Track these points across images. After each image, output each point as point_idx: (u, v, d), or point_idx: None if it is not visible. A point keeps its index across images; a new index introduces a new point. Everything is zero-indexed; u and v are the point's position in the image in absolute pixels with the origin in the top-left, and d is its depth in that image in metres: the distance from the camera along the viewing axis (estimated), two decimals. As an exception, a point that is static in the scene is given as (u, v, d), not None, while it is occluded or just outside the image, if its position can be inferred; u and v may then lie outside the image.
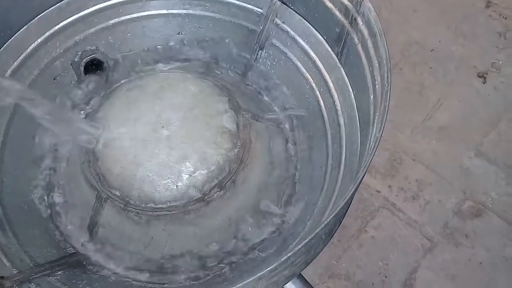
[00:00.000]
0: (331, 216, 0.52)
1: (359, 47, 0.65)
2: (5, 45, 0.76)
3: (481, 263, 1.14)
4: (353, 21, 0.65)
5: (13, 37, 0.77)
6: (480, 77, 1.28)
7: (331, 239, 0.70)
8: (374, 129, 0.57)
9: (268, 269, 0.50)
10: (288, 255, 0.51)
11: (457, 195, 1.20)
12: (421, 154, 1.24)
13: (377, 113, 0.58)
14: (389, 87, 0.56)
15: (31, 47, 0.78)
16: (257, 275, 0.50)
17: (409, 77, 1.28)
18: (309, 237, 0.51)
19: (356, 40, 0.65)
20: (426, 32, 1.34)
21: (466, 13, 1.36)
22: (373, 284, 1.15)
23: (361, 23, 0.63)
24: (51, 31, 0.79)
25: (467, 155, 1.23)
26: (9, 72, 0.76)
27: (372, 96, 0.62)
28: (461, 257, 1.15)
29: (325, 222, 0.52)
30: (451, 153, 1.23)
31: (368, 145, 0.58)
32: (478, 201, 1.19)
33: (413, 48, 1.33)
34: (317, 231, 0.52)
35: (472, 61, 1.30)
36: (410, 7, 1.35)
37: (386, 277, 1.15)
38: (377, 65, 0.60)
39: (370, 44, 0.62)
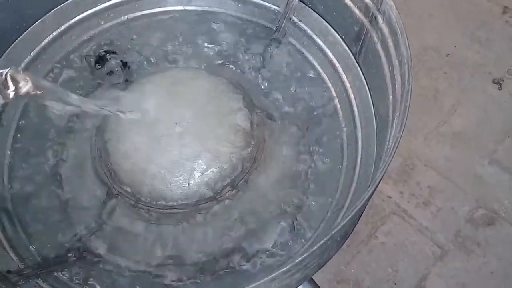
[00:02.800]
0: (349, 217, 0.50)
1: (379, 46, 0.64)
2: (20, 37, 0.76)
3: (492, 272, 1.12)
4: (373, 20, 0.64)
5: (28, 29, 0.77)
6: (495, 83, 1.27)
7: (345, 242, 0.68)
8: (394, 130, 0.55)
9: (282, 270, 0.49)
10: (303, 256, 0.49)
11: (470, 203, 1.18)
12: (434, 160, 1.23)
13: (396, 114, 0.57)
14: (410, 86, 0.54)
15: (46, 41, 0.78)
16: (270, 276, 0.49)
17: (423, 82, 1.27)
18: (325, 239, 0.50)
19: (375, 39, 0.64)
20: (442, 37, 1.33)
21: (482, 18, 1.34)
22: (382, 290, 1.14)
23: (381, 21, 0.62)
24: (67, 24, 0.79)
25: (480, 162, 1.21)
26: (23, 65, 0.76)
27: (391, 96, 0.61)
28: (472, 266, 1.13)
29: (342, 224, 0.51)
30: (465, 160, 1.21)
31: (386, 145, 0.57)
32: (491, 209, 1.17)
33: (428, 53, 1.31)
34: (333, 232, 0.50)
35: (487, 67, 1.28)
36: (426, 11, 1.34)
37: (395, 284, 1.14)
38: (398, 64, 0.59)
39: (390, 43, 0.61)
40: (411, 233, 1.18)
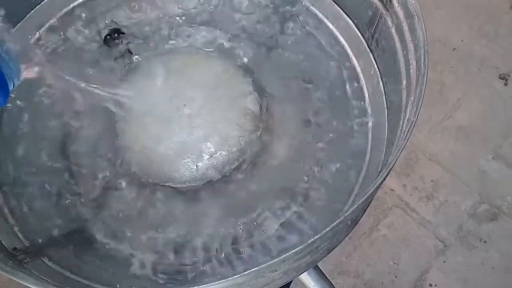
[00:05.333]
0: (361, 201, 0.50)
1: (393, 30, 0.63)
2: (31, 12, 0.75)
3: (493, 267, 1.12)
4: (387, 3, 0.63)
5: (38, 5, 0.76)
6: (501, 78, 1.27)
7: (353, 229, 0.68)
8: (408, 114, 0.55)
9: (293, 251, 0.48)
10: (315, 238, 0.49)
11: (473, 198, 1.18)
12: (438, 154, 1.22)
13: (411, 98, 0.56)
14: (426, 70, 0.54)
15: (56, 17, 0.77)
16: (281, 257, 0.48)
17: (429, 75, 1.26)
18: (338, 221, 0.49)
19: (390, 23, 0.63)
20: (449, 30, 1.32)
21: (490, 13, 1.34)
22: (382, 283, 1.14)
23: (396, 5, 0.61)
24: (77, 2, 0.78)
25: (485, 157, 1.21)
26: (32, 40, 0.75)
27: (404, 81, 0.61)
28: (474, 261, 1.13)
29: (354, 206, 0.50)
30: (469, 154, 1.21)
31: (400, 130, 0.57)
32: (494, 205, 1.17)
33: (435, 46, 1.31)
34: (346, 214, 0.50)
35: (494, 62, 1.28)
36: (434, 4, 1.34)
37: (396, 277, 1.14)
38: (413, 48, 0.59)
39: (405, 27, 0.60)
40: (414, 227, 1.18)
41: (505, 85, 1.26)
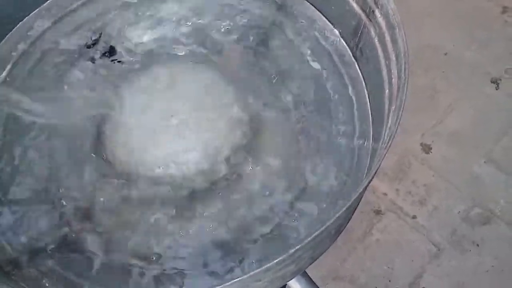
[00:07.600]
0: (343, 210, 0.50)
1: (376, 40, 0.64)
2: (19, 24, 0.76)
3: (487, 271, 1.12)
4: (370, 14, 0.64)
5: (27, 17, 0.77)
6: (493, 83, 1.27)
7: (337, 237, 0.68)
8: (390, 122, 0.56)
9: (275, 261, 0.49)
10: (296, 248, 0.49)
11: (466, 202, 1.18)
12: (430, 159, 1.23)
13: (392, 107, 0.57)
14: (406, 80, 0.55)
15: (41, 29, 0.78)
16: (264, 267, 0.49)
17: (421, 81, 1.27)
18: (319, 230, 0.50)
19: (373, 33, 0.64)
20: (440, 36, 1.33)
21: (481, 18, 1.34)
22: (376, 287, 1.14)
23: (379, 16, 0.62)
24: (64, 12, 0.79)
25: (477, 161, 1.21)
26: (20, 49, 0.76)
27: (387, 90, 0.61)
28: (468, 265, 1.13)
29: (336, 216, 0.51)
30: (461, 159, 1.21)
31: (382, 139, 0.57)
32: (487, 209, 1.17)
33: (426, 51, 1.31)
34: (327, 224, 0.50)
35: (485, 67, 1.28)
36: (425, 11, 1.34)
37: (390, 281, 1.14)
38: (394, 58, 0.59)
39: (387, 37, 0.61)
40: (407, 231, 1.18)
41: (497, 89, 1.26)
